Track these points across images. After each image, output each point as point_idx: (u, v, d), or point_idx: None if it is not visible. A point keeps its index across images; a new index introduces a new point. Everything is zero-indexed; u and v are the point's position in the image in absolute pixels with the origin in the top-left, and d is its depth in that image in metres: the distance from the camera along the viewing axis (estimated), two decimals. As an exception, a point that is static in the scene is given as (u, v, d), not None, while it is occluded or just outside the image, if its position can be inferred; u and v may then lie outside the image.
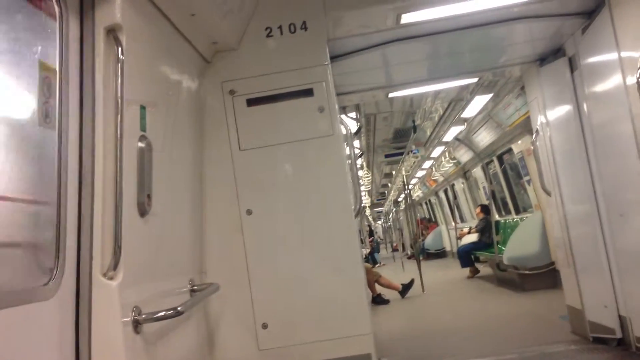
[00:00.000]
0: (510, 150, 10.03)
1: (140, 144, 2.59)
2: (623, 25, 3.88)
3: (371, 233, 24.10)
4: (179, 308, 2.54)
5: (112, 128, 2.36)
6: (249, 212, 3.77)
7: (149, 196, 2.62)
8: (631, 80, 3.75)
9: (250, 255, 3.75)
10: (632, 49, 3.77)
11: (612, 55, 4.06)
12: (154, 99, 2.83)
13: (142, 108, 2.65)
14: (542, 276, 8.71)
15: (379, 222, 44.31)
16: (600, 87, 4.43)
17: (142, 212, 2.59)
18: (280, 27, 3.88)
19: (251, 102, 3.84)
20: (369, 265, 11.61)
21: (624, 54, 3.90)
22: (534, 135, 5.53)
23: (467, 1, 3.91)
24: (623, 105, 3.95)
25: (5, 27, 2.10)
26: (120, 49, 2.40)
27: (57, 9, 2.28)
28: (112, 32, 2.42)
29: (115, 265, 2.31)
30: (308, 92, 3.82)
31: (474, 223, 13.65)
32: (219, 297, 3.58)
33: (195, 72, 3.69)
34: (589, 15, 4.33)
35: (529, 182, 9.56)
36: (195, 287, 3.33)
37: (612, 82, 4.14)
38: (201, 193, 3.74)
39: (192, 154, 3.59)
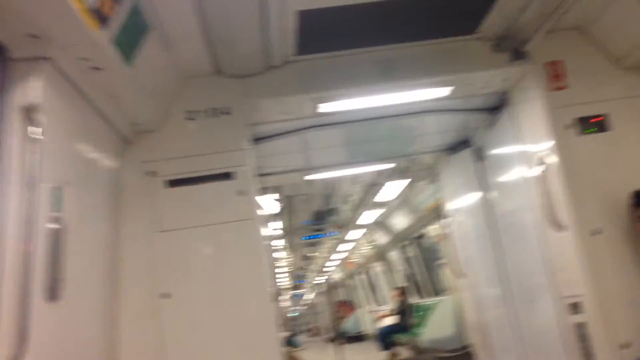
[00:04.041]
0: (425, 234, 10.33)
1: (53, 225, 2.51)
2: (524, 123, 4.24)
3: None
4: None
5: (24, 209, 2.28)
6: (166, 296, 3.66)
7: (59, 280, 2.51)
8: (532, 173, 4.05)
9: (166, 340, 3.60)
10: (532, 144, 4.09)
11: (514, 149, 4.39)
12: (70, 179, 2.77)
13: (57, 188, 2.59)
14: (460, 358, 8.79)
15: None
16: (505, 178, 4.75)
17: (52, 296, 2.47)
18: (202, 111, 3.94)
19: (171, 184, 3.81)
20: (289, 349, 11.35)
21: (525, 148, 4.22)
22: (447, 220, 5.77)
23: (380, 95, 4.16)
24: (525, 196, 4.24)
25: None
26: (35, 128, 2.36)
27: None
28: (29, 112, 2.38)
29: (21, 354, 2.17)
30: (228, 176, 3.85)
31: (392, 305, 13.73)
32: (132, 387, 3.40)
33: (114, 152, 3.65)
34: (493, 111, 4.69)
35: (443, 265, 9.81)
36: None
37: (516, 174, 4.45)
38: (117, 275, 3.60)
39: (109, 235, 3.49)
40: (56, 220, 2.53)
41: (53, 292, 2.47)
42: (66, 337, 2.70)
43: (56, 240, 2.50)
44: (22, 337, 2.17)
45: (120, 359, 3.49)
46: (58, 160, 2.66)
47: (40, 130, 2.37)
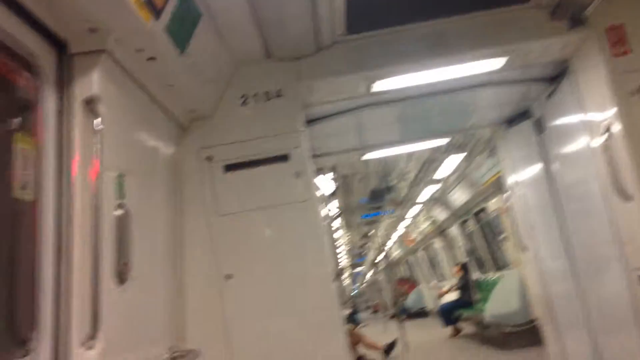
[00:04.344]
0: (485, 208, 10.18)
1: (118, 212, 2.61)
2: (586, 91, 4.08)
3: None
4: None
5: (89, 197, 2.38)
6: (228, 277, 3.75)
7: (127, 263, 2.62)
8: (597, 142, 3.92)
9: (230, 321, 3.71)
10: (596, 112, 3.95)
11: (577, 119, 4.25)
12: (131, 167, 2.86)
13: (120, 176, 2.68)
14: (525, 333, 8.66)
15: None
16: (567, 149, 4.60)
17: (121, 279, 2.58)
18: (255, 95, 3.98)
19: (228, 168, 3.88)
20: (351, 327, 11.46)
21: (588, 117, 4.08)
22: (507, 194, 5.66)
23: (433, 70, 4.08)
24: (590, 166, 4.11)
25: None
26: (97, 119, 2.45)
27: (36, 82, 2.35)
28: (90, 104, 2.47)
29: (93, 335, 2.28)
30: (284, 158, 3.89)
31: (453, 281, 13.65)
32: (200, 364, 3.51)
33: (172, 139, 3.74)
34: (552, 80, 4.53)
35: (505, 239, 9.66)
36: (176, 354, 3.25)
37: (579, 144, 4.31)
38: (180, 259, 3.72)
39: (170, 220, 3.60)
40: (120, 207, 2.63)
41: (121, 276, 2.58)
42: (135, 318, 2.81)
43: (121, 227, 2.60)
44: (95, 318, 2.28)
45: (187, 338, 3.62)
46: (119, 149, 2.75)
47: (101, 120, 2.45)
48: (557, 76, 4.45)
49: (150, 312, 3.08)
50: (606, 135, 3.76)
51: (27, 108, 2.32)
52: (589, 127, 4.08)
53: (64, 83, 2.49)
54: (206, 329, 3.69)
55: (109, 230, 2.50)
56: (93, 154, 2.41)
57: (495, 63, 4.11)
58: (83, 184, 2.39)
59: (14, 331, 2.10)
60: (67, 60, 2.52)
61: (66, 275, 2.30)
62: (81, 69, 2.51)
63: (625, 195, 3.67)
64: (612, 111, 3.73)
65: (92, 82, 2.50)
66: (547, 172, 5.01)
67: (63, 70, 2.50)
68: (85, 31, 2.47)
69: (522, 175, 5.44)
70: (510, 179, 5.65)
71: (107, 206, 2.47)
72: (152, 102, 3.28)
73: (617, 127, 3.71)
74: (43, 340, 2.15)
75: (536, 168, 5.15)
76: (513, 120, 5.40)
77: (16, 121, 2.24)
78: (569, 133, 4.50)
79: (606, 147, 3.76)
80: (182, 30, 2.99)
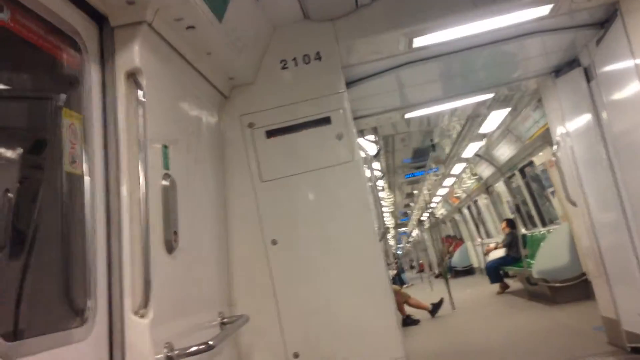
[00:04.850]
0: (531, 163, 9.96)
1: (164, 182, 2.64)
2: (637, 34, 3.89)
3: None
4: (210, 342, 2.54)
5: (136, 168, 2.41)
6: (274, 242, 3.79)
7: (175, 233, 2.66)
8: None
9: (277, 285, 3.76)
10: None
11: (628, 64, 4.07)
12: (175, 138, 2.89)
13: (165, 147, 2.70)
14: (574, 288, 8.57)
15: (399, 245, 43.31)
16: (618, 96, 4.42)
17: (170, 248, 2.62)
18: (294, 59, 3.95)
19: (270, 134, 3.89)
20: (397, 287, 11.53)
21: (639, 61, 3.89)
22: (555, 146, 5.50)
23: (476, 22, 3.96)
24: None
25: (30, 78, 2.20)
26: (140, 91, 2.47)
27: (79, 57, 2.37)
28: (133, 76, 2.49)
29: (145, 303, 2.34)
30: (326, 121, 3.86)
31: (500, 238, 13.51)
32: (249, 329, 3.57)
33: (214, 108, 3.75)
34: (601, 25, 4.34)
35: (553, 193, 9.46)
36: (225, 320, 3.33)
37: (630, 90, 4.14)
38: (226, 226, 3.77)
39: (215, 188, 3.64)
40: (166, 177, 2.66)
41: (170, 245, 2.62)
42: (185, 285, 2.86)
43: (168, 197, 2.64)
44: (146, 287, 2.34)
45: (236, 303, 3.69)
46: (163, 119, 2.77)
47: (143, 92, 2.47)
48: (606, 21, 4.26)
49: (200, 279, 3.14)
50: None
51: (72, 83, 2.35)
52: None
53: (106, 57, 2.51)
54: (254, 294, 3.75)
55: (156, 201, 2.54)
56: (138, 125, 2.43)
57: (541, 10, 3.94)
58: (129, 156, 2.42)
59: (71, 301, 2.17)
60: (108, 34, 2.53)
61: (117, 246, 2.36)
62: (122, 41, 2.53)
63: None
64: None
65: (133, 54, 2.51)
66: (597, 121, 4.84)
67: (105, 45, 2.52)
68: (123, 3, 2.47)
69: (571, 126, 5.27)
70: (558, 131, 5.49)
71: (153, 177, 2.50)
72: (193, 71, 3.28)
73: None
74: (98, 309, 2.22)
75: (585, 118, 4.98)
76: (560, 69, 5.21)
77: (63, 96, 2.27)
78: (619, 80, 4.32)
79: None
80: (219, -3, 2.96)
